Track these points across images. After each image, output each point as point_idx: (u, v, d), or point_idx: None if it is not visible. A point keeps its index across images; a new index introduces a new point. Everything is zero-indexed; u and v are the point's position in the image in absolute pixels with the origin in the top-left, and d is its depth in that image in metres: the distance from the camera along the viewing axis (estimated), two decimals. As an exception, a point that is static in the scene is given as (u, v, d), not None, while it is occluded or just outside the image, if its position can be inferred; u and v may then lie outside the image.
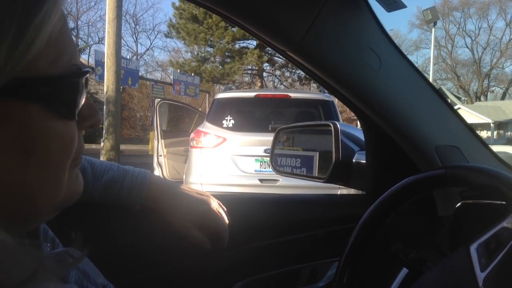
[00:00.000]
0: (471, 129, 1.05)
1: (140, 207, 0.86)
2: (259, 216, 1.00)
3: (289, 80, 25.51)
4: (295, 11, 0.79)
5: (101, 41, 33.11)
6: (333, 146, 1.14)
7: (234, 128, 4.86)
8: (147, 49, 41.65)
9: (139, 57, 34.99)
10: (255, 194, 1.21)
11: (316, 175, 1.23)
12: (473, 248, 0.67)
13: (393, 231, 1.09)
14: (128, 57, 15.71)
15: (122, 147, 14.78)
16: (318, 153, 1.27)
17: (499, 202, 0.67)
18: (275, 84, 27.02)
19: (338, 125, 1.16)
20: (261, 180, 4.65)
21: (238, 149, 4.70)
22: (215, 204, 0.89)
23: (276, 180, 4.53)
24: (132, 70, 14.12)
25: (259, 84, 24.93)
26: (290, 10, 0.79)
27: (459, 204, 0.95)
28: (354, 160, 1.15)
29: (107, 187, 0.82)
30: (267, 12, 0.79)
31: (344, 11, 0.83)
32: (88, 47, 33.04)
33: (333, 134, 1.15)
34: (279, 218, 1.02)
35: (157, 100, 7.15)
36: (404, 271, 0.88)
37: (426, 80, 0.99)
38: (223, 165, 4.70)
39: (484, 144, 1.06)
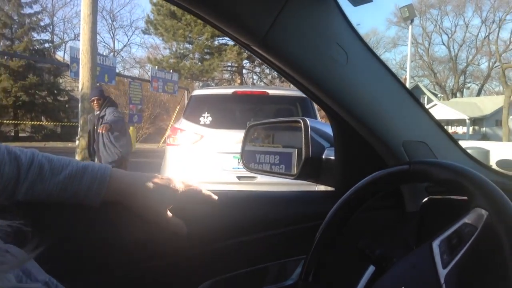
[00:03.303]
0: (439, 124, 1.05)
1: (104, 203, 0.83)
2: (226, 214, 0.98)
3: (269, 77, 25.53)
4: (259, 4, 0.77)
5: (76, 37, 32.62)
6: (303, 143, 1.13)
7: (212, 125, 4.83)
8: (124, 46, 41.12)
9: (116, 54, 34.60)
10: (222, 191, 1.19)
11: (285, 171, 1.22)
12: (435, 245, 0.67)
13: (361, 227, 1.09)
14: (104, 54, 15.52)
15: (99, 145, 14.59)
16: (296, 150, 1.27)
17: (462, 197, 0.67)
18: (255, 81, 27.03)
19: (308, 121, 1.15)
20: (239, 177, 4.64)
21: (215, 146, 4.67)
22: (180, 182, 0.89)
23: (254, 177, 4.52)
24: (108, 66, 13.95)
25: (238, 81, 24.89)
26: (253, 3, 0.77)
27: (425, 199, 0.95)
28: (324, 157, 1.15)
29: (66, 183, 0.79)
30: (231, 5, 0.77)
31: (309, 6, 0.82)
32: (63, 44, 32.53)
33: (302, 131, 1.14)
34: (247, 216, 1.00)
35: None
36: (372, 268, 0.88)
37: (394, 76, 0.98)
38: (200, 162, 4.67)
39: (452, 139, 1.06)
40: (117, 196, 0.83)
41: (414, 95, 1.02)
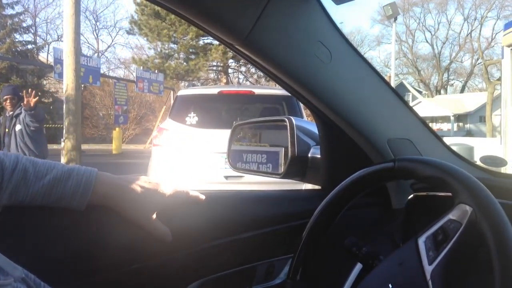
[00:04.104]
0: (423, 121, 1.06)
1: (90, 207, 0.82)
2: (213, 215, 0.97)
3: (255, 76, 25.53)
4: (241, 4, 0.77)
5: (60, 38, 32.21)
6: (289, 142, 1.13)
7: (198, 125, 4.81)
8: (109, 46, 40.74)
9: (100, 55, 34.28)
10: (209, 191, 1.19)
11: (271, 171, 1.22)
12: (421, 241, 0.67)
13: (348, 225, 1.09)
14: (89, 55, 15.39)
15: (84, 146, 14.46)
16: (283, 148, 1.27)
17: (447, 194, 0.68)
18: (240, 80, 27.00)
19: (294, 120, 1.15)
20: (226, 177, 4.63)
21: (202, 146, 4.66)
22: (167, 185, 0.88)
23: (241, 177, 4.51)
24: (93, 67, 13.83)
25: (224, 80, 24.84)
26: (236, 3, 0.77)
27: (411, 196, 0.96)
28: (310, 155, 1.15)
29: (50, 187, 0.78)
30: (213, 5, 0.76)
31: (292, 5, 0.82)
32: (47, 45, 32.14)
33: (288, 129, 1.14)
34: (234, 216, 1.00)
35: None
36: (359, 266, 0.88)
37: (378, 74, 0.99)
38: (187, 162, 4.65)
39: (436, 136, 1.07)
40: (103, 199, 0.82)
41: (398, 93, 1.03)
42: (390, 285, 0.68)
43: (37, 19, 33.71)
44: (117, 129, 17.46)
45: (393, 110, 1.02)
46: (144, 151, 16.21)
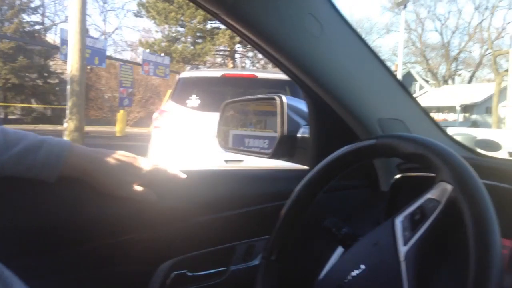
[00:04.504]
0: (417, 102, 1.02)
1: (64, 179, 0.80)
2: (195, 193, 0.95)
3: (262, 61, 25.37)
4: None
5: (67, 19, 32.07)
6: (278, 120, 1.11)
7: (200, 108, 4.77)
8: (116, 28, 40.62)
9: (107, 37, 34.15)
10: (194, 170, 1.16)
11: (260, 150, 1.20)
12: (398, 221, 0.64)
13: (336, 206, 1.06)
14: (95, 36, 15.32)
15: (88, 128, 14.48)
16: (273, 128, 1.23)
17: (432, 174, 0.65)
18: (247, 65, 26.83)
19: (284, 98, 1.12)
20: (226, 161, 4.60)
21: (203, 129, 4.63)
22: (145, 160, 0.87)
23: (241, 161, 4.49)
24: (99, 49, 13.77)
25: (231, 65, 24.71)
26: None
27: (397, 177, 0.93)
28: (299, 135, 1.12)
29: (20, 156, 0.76)
30: None
31: None
32: (54, 26, 32.03)
33: (278, 108, 1.11)
34: (217, 194, 0.98)
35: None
36: (342, 249, 0.86)
37: (372, 51, 0.95)
38: (186, 145, 4.63)
39: (429, 117, 1.04)
40: (76, 172, 0.80)
41: (392, 71, 1.00)
42: (363, 266, 0.65)
43: (45, 0, 33.56)
44: (121, 111, 17.45)
45: (385, 89, 0.98)
46: (147, 134, 16.18)
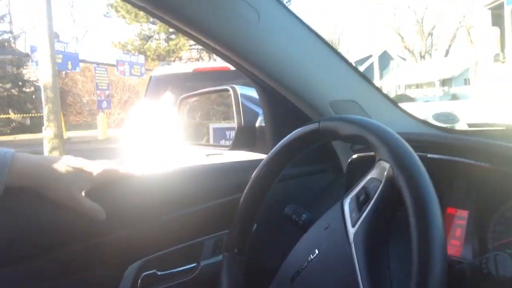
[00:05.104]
0: (370, 81, 1.02)
1: (9, 189, 0.77)
2: (157, 191, 0.93)
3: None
4: None
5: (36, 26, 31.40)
6: (234, 111, 1.10)
7: (174, 104, 4.73)
8: (87, 31, 39.98)
9: (79, 40, 33.66)
10: (156, 169, 1.14)
11: (220, 143, 1.19)
12: (346, 203, 0.64)
13: (299, 193, 1.06)
14: (66, 41, 15.08)
15: (70, 134, 14.26)
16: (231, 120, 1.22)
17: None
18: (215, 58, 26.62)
19: (238, 89, 1.11)
20: (206, 155, 4.58)
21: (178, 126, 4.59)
22: (96, 164, 0.85)
23: (221, 154, 4.47)
24: (71, 53, 13.56)
25: (207, 59, 24.52)
26: None
27: (352, 158, 0.93)
28: (257, 124, 1.11)
29: None
30: None
31: None
32: (23, 33, 31.41)
33: (232, 99, 1.10)
34: (181, 191, 0.97)
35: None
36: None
37: (317, 34, 0.94)
38: (163, 143, 4.59)
39: (384, 95, 1.04)
40: (23, 180, 0.78)
41: (340, 53, 0.99)
42: (316, 250, 0.65)
43: (12, 8, 32.85)
44: (101, 114, 17.23)
45: (335, 71, 0.98)
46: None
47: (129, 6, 21.61)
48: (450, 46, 44.26)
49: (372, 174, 0.61)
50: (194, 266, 0.97)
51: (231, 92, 1.10)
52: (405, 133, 0.62)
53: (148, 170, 0.95)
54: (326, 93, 0.94)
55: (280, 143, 0.74)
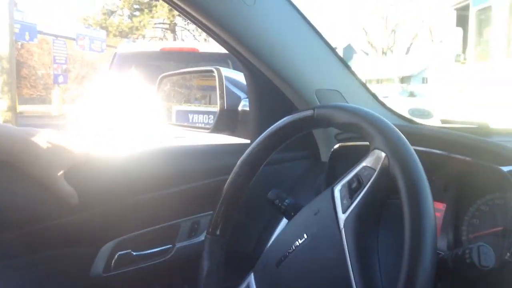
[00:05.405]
0: (353, 72, 1.04)
1: None
2: (137, 170, 0.92)
3: (204, 35, 24.89)
4: None
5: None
6: (217, 93, 1.09)
7: (139, 83, 4.64)
8: (47, 1, 38.39)
9: (38, 10, 32.28)
10: (132, 148, 1.13)
11: (200, 125, 1.18)
12: (336, 190, 0.65)
13: (277, 179, 1.07)
14: (24, 11, 14.42)
15: (23, 108, 13.71)
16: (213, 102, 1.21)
17: (367, 143, 0.66)
18: (188, 39, 26.26)
19: (222, 71, 1.10)
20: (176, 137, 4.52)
21: (142, 104, 4.51)
22: (78, 141, 0.83)
23: (183, 137, 4.42)
24: (29, 24, 12.97)
25: (171, 39, 24.09)
26: None
27: (336, 147, 0.95)
28: (240, 108, 1.11)
29: None
30: None
31: None
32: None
33: (217, 81, 1.09)
34: (159, 171, 0.95)
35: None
36: (286, 220, 0.87)
37: (308, 22, 0.95)
38: (128, 122, 4.50)
39: (365, 87, 1.06)
40: (2, 154, 0.75)
41: (328, 42, 1.00)
42: (305, 235, 0.66)
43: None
44: (56, 89, 16.68)
45: (322, 60, 0.99)
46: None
47: (93, -21, 20.89)
48: (411, 44, 45.37)
49: (366, 162, 0.62)
50: (169, 248, 0.97)
51: (215, 73, 1.09)
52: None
53: (126, 149, 0.93)
54: (313, 81, 0.95)
55: (272, 127, 0.75)
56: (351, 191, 0.62)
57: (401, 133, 0.59)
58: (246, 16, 0.84)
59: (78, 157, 0.81)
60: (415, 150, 0.58)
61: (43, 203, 0.80)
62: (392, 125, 0.61)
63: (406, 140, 0.58)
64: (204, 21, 0.84)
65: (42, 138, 0.78)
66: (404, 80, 36.09)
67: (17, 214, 0.78)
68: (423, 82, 34.45)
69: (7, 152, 0.75)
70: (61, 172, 0.79)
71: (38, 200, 0.79)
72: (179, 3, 0.80)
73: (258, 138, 0.76)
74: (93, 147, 0.85)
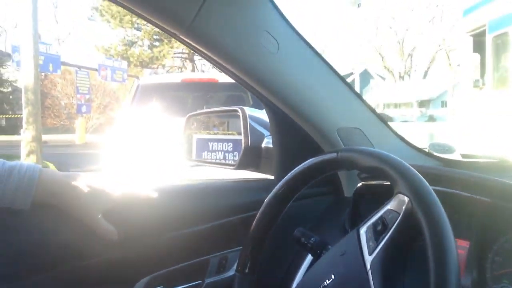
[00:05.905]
0: (373, 110, 1.07)
1: (35, 205, 0.79)
2: (165, 209, 0.96)
3: (221, 63, 25.18)
4: None
5: (18, 25, 30.90)
6: (242, 132, 1.13)
7: (161, 114, 4.73)
8: (70, 33, 39.57)
9: (61, 42, 33.28)
10: (162, 185, 1.17)
11: (226, 162, 1.22)
12: (362, 231, 0.68)
13: (301, 215, 1.09)
14: (48, 42, 14.89)
15: (47, 137, 14.03)
16: (238, 140, 1.25)
17: (388, 183, 0.69)
18: (207, 68, 26.67)
19: (246, 110, 1.14)
20: (191, 166, 4.57)
21: (164, 134, 4.58)
22: (116, 183, 0.87)
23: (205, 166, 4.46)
24: (53, 55, 13.38)
25: (190, 68, 24.52)
26: None
27: (359, 185, 0.97)
28: (263, 145, 1.15)
29: None
30: None
31: None
32: (4, 32, 30.92)
33: (241, 119, 1.14)
34: (186, 208, 0.99)
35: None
36: (311, 257, 0.89)
37: (327, 64, 0.99)
38: (149, 153, 4.57)
39: (386, 124, 1.09)
40: (48, 197, 0.80)
41: (347, 82, 1.04)
42: (333, 275, 0.68)
43: (-7, 5, 32.31)
44: (80, 118, 17.03)
45: (342, 99, 1.02)
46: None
47: (114, 11, 21.51)
48: (429, 68, 45.21)
49: (390, 206, 0.65)
50: (198, 283, 0.99)
51: (239, 113, 1.13)
52: (413, 165, 0.67)
53: (156, 187, 0.97)
54: (334, 120, 0.99)
55: (297, 168, 0.78)
56: (376, 233, 0.65)
57: (422, 178, 0.62)
58: (270, 63, 0.88)
59: (116, 199, 0.85)
60: (438, 191, 0.60)
61: (85, 242, 0.84)
62: (414, 169, 0.63)
63: (427, 184, 0.61)
64: (229, 67, 0.89)
65: (84, 182, 0.83)
66: (423, 104, 35.88)
67: (61, 252, 0.83)
68: (442, 106, 34.19)
69: (50, 195, 0.80)
70: (100, 213, 0.83)
71: (81, 239, 0.84)
72: (208, 53, 0.85)
73: (285, 178, 0.80)
74: (127, 187, 0.89)
